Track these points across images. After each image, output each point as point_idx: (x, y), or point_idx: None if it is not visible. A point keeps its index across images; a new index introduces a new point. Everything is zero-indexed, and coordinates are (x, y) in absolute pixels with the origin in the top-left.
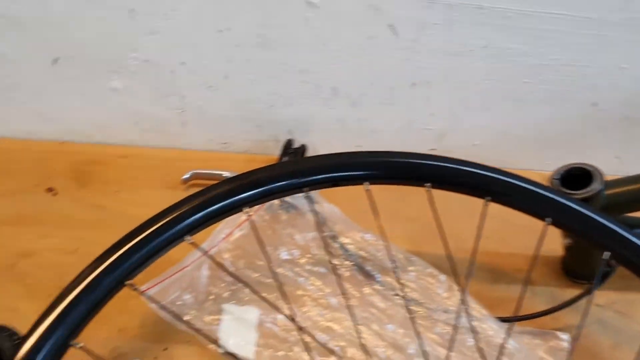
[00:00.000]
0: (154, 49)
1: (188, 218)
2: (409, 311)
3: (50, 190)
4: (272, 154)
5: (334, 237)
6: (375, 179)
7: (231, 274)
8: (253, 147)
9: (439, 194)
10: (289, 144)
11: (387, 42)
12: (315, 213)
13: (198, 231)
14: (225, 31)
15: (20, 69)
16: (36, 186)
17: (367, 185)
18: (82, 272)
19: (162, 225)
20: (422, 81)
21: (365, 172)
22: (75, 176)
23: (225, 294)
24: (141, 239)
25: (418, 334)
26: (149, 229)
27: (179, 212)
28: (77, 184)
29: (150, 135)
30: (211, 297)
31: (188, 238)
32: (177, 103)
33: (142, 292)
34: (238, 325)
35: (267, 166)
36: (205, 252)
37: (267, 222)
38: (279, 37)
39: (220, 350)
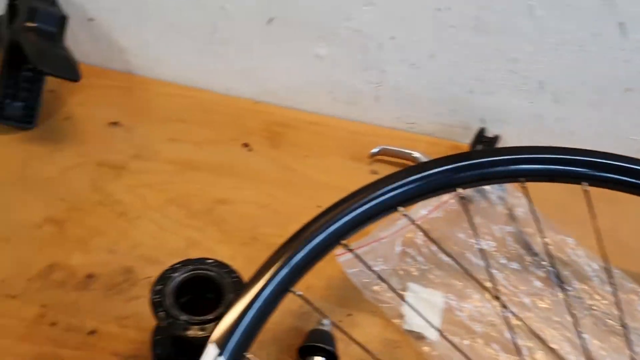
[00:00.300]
0: (368, 19)
1: (404, 189)
2: (624, 327)
3: (245, 145)
4: (458, 140)
5: (531, 236)
6: (596, 181)
7: (444, 251)
8: (439, 130)
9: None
10: (482, 132)
11: (612, 40)
12: (530, 206)
13: (410, 204)
14: (444, 10)
15: (236, 25)
16: (233, 140)
17: (585, 186)
18: (307, 224)
19: (380, 191)
20: (639, 87)
21: (589, 172)
22: (268, 136)
23: (415, 273)
24: (360, 201)
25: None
26: (367, 193)
27: (398, 182)
28: (269, 144)
29: (341, 105)
30: (400, 273)
31: (401, 209)
32: (376, 77)
33: (352, 251)
34: (423, 306)
35: (485, 150)
36: (413, 221)
37: (459, 209)
38: (496, 22)
39: (404, 327)
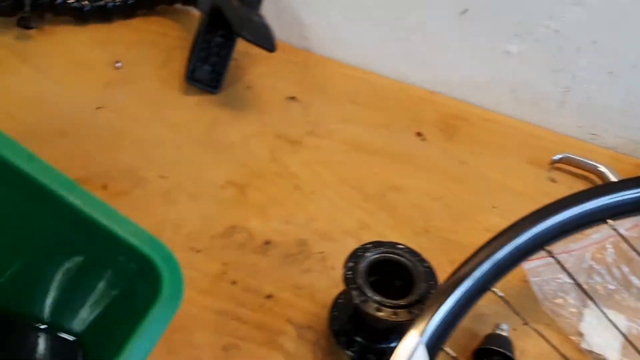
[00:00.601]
0: (571, 20)
1: (620, 200)
2: None
3: (419, 134)
4: None
5: None
6: None
7: None
8: (624, 145)
9: None
10: None
11: None
12: None
13: (620, 218)
14: None
15: (428, 13)
16: (406, 127)
17: None
18: (515, 223)
19: (594, 200)
20: None
21: None
22: (442, 127)
23: (601, 291)
24: (572, 208)
25: None
26: (580, 200)
27: (616, 193)
28: (443, 135)
29: (521, 106)
30: (584, 288)
31: (610, 222)
32: (566, 81)
33: (554, 256)
34: (603, 327)
35: None
36: (622, 237)
37: None
38: None
39: (582, 346)
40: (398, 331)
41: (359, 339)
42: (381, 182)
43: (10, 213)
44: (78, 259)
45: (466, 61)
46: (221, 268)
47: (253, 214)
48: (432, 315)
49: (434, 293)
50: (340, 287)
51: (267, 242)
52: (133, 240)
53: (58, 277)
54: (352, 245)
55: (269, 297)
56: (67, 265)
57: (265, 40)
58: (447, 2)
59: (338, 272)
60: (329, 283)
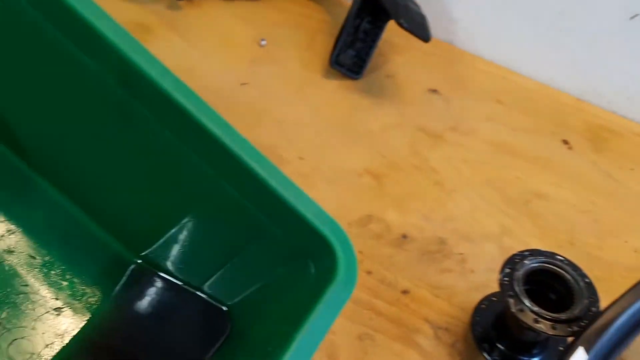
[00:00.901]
0: None
1: None
2: None
3: (565, 142)
4: None
5: None
6: None
7: None
8: None
9: None
10: None
11: None
12: None
13: None
14: None
15: (590, 15)
16: (552, 133)
17: None
18: None
19: None
20: None
21: None
22: (590, 138)
23: None
24: None
25: None
26: None
27: None
28: (592, 147)
29: None
30: None
31: None
32: None
33: None
34: None
35: None
36: None
37: None
38: None
39: None
40: (542, 345)
41: (501, 347)
42: (525, 187)
43: (186, 171)
44: (250, 230)
45: (625, 70)
46: (357, 256)
47: (390, 206)
48: (602, 333)
49: (604, 310)
50: (480, 291)
51: (404, 236)
52: (313, 220)
53: (223, 244)
54: (492, 249)
55: (405, 292)
56: (236, 234)
57: (421, 29)
58: (614, 4)
59: (478, 276)
60: (468, 286)
